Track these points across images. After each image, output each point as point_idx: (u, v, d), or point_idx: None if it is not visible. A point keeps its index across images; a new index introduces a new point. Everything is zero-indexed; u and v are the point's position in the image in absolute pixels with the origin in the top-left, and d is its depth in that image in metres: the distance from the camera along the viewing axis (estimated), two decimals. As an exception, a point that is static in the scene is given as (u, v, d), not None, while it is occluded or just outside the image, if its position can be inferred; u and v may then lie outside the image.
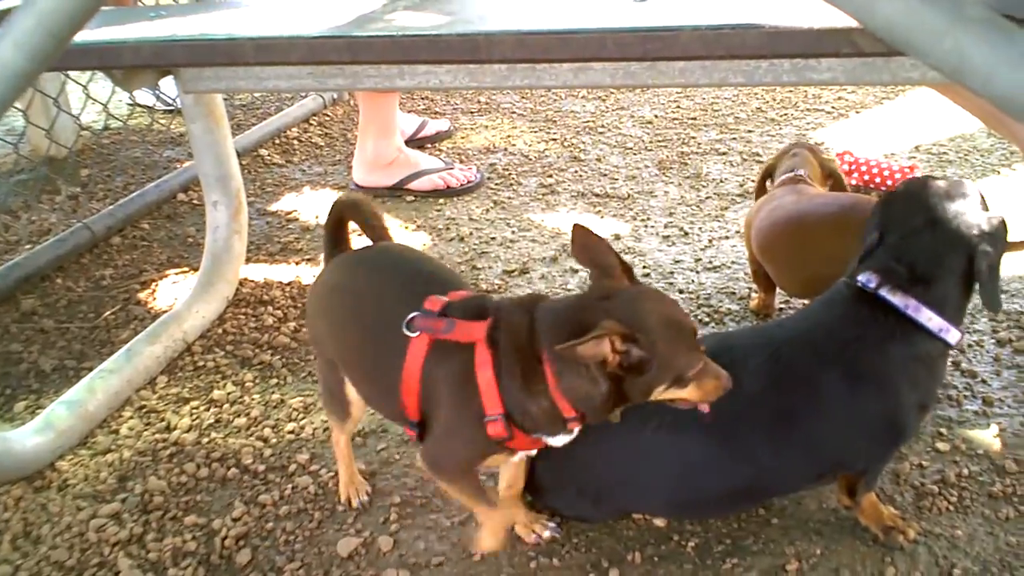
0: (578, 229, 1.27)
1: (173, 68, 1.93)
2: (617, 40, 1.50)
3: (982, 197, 1.44)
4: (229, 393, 1.93)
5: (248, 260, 2.46)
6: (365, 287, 1.43)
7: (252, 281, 2.42)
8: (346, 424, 1.53)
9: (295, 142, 3.61)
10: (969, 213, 1.39)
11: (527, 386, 1.23)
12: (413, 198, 2.99)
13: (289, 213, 2.92)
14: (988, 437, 1.73)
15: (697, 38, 1.47)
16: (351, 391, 1.46)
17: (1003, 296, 2.21)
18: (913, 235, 1.39)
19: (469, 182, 3.03)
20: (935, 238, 1.38)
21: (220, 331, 2.19)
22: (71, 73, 3.05)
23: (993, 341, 2.04)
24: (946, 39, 0.84)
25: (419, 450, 1.35)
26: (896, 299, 1.36)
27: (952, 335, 1.37)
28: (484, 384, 1.24)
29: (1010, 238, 1.75)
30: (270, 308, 2.27)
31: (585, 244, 1.27)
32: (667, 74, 1.69)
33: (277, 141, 3.59)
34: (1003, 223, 1.41)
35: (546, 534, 1.50)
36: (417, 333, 1.27)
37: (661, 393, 1.23)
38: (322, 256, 2.54)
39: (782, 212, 1.95)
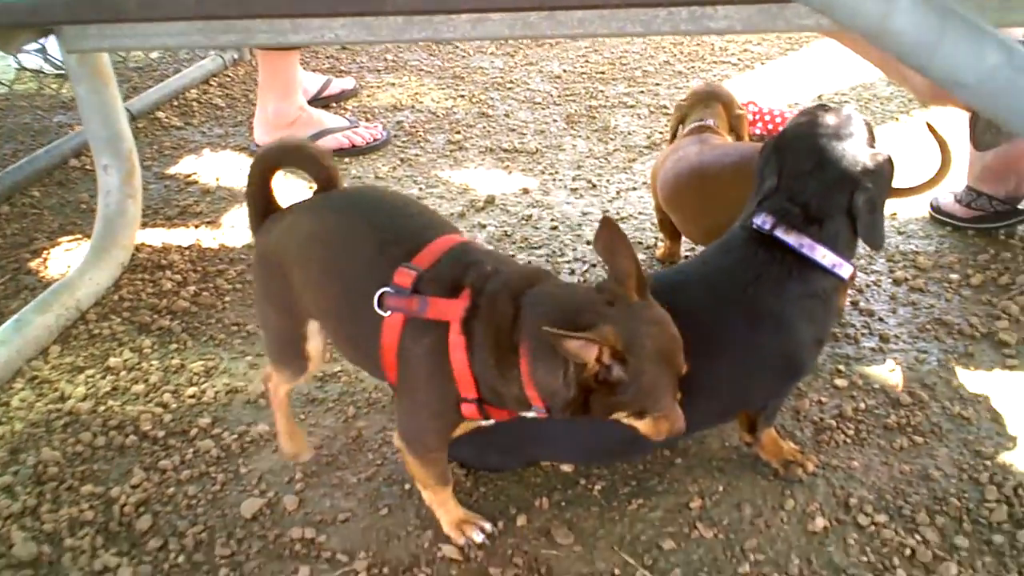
0: (608, 223, 1.19)
1: (53, 26, 1.85)
2: (513, -11, 1.48)
3: (870, 131, 1.48)
4: (126, 360, 1.88)
5: (145, 225, 2.39)
6: (340, 243, 1.32)
7: (149, 246, 2.35)
8: (297, 379, 1.48)
9: (194, 104, 3.50)
10: (855, 151, 1.42)
11: (500, 372, 1.19)
12: (318, 158, 2.93)
13: (188, 176, 2.83)
14: (884, 372, 1.79)
15: (593, -14, 1.46)
16: (313, 347, 1.41)
17: (900, 237, 2.28)
18: (804, 176, 1.42)
19: (375, 140, 2.99)
20: (824, 178, 1.41)
21: (116, 298, 2.12)
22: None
23: (890, 280, 2.10)
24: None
25: (396, 427, 1.34)
26: (791, 239, 1.39)
27: (845, 270, 1.40)
28: (458, 367, 1.20)
29: (909, 183, 1.81)
30: (168, 273, 2.21)
31: (609, 241, 1.19)
32: (566, 24, 1.68)
33: (175, 103, 3.48)
34: (888, 160, 1.44)
35: (477, 538, 1.41)
36: (388, 314, 1.22)
37: (619, 416, 1.20)
38: (225, 219, 2.50)
39: (686, 163, 1.96)
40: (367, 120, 3.23)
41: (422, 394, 1.28)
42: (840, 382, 1.76)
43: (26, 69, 3.83)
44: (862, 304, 2.01)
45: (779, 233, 1.40)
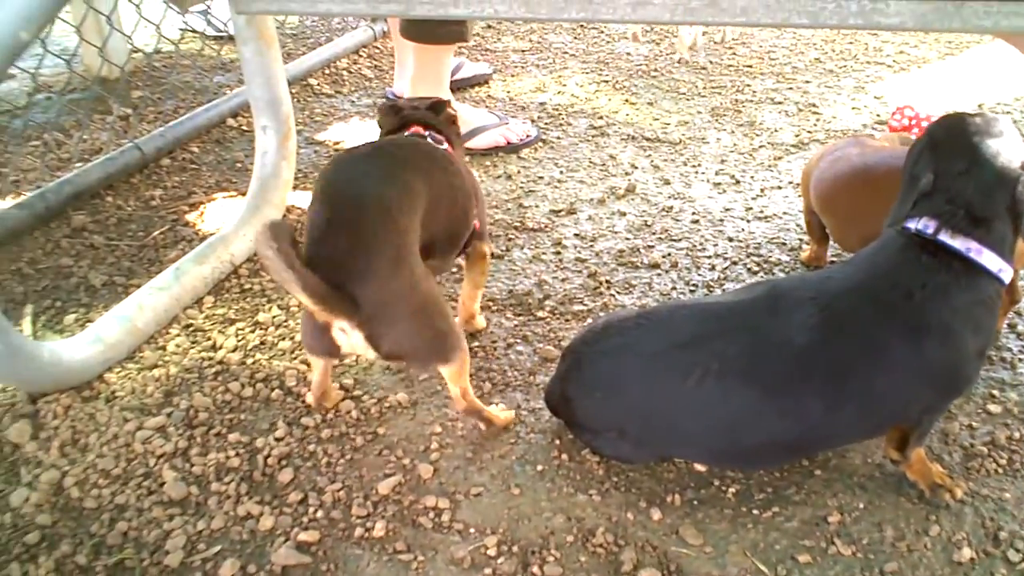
0: None
1: (226, -14, 1.92)
2: (682, -28, 1.45)
3: (1016, 131, 1.42)
4: (274, 316, 1.94)
5: (295, 187, 2.45)
6: None
7: (299, 208, 2.42)
8: None
9: (344, 73, 3.58)
10: (1010, 147, 1.37)
11: None
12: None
13: (337, 143, 2.90)
14: (1041, 401, 1.70)
15: (765, -27, 1.42)
16: None
17: (1063, 264, 2.15)
18: (964, 175, 1.36)
19: (528, 137, 2.90)
20: (984, 176, 1.35)
21: (267, 256, 2.19)
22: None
23: (1051, 306, 1.99)
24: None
25: None
26: (957, 243, 1.33)
27: (1007, 274, 1.34)
28: None
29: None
30: (316, 236, 2.27)
31: None
32: (728, 11, 1.64)
33: (327, 71, 3.57)
34: None
35: None
36: None
37: None
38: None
39: (846, 164, 1.90)
40: (511, 100, 3.24)
41: None
42: (994, 408, 1.67)
43: (192, 30, 4.00)
44: (1020, 328, 1.91)
45: (944, 237, 1.34)
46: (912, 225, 1.38)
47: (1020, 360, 1.81)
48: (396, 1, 1.82)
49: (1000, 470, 1.54)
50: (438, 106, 1.80)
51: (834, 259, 2.17)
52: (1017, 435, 1.60)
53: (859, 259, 1.47)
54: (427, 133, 1.73)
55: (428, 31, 2.60)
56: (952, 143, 1.40)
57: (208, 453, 1.55)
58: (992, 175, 1.35)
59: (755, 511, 1.45)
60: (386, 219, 1.40)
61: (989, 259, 1.32)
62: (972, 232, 1.33)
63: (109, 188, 2.52)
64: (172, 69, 3.55)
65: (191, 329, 1.90)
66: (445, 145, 1.74)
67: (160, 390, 1.71)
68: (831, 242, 2.12)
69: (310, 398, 1.65)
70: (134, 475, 1.50)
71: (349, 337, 1.38)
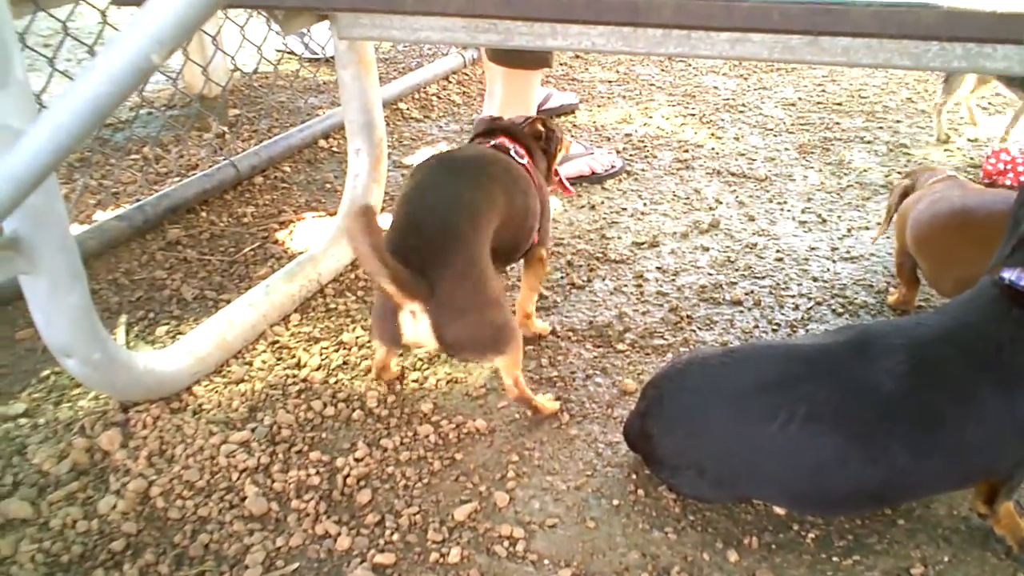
0: None
1: (332, 12, 1.96)
2: (783, 11, 1.44)
3: None
4: (358, 337, 1.97)
5: (383, 210, 2.49)
6: None
7: (385, 230, 2.45)
8: None
9: (434, 98, 3.64)
10: None
11: None
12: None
13: (424, 167, 2.94)
14: None
15: (869, 15, 1.40)
16: None
17: None
18: None
19: (613, 167, 2.90)
20: None
21: (352, 276, 2.23)
22: (230, 13, 3.13)
23: None
24: None
25: None
26: None
27: None
28: None
29: None
30: (401, 259, 2.30)
31: None
32: (829, 51, 1.62)
33: (416, 96, 3.63)
34: None
35: None
36: None
37: None
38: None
39: (946, 204, 1.85)
40: (596, 130, 3.25)
41: None
42: (1090, 465, 1.61)
43: (291, 53, 4.10)
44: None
45: None
46: (1007, 275, 1.34)
47: (1122, 419, 1.73)
48: (494, 31, 1.84)
49: (1097, 532, 1.47)
50: (527, 122, 1.95)
51: (922, 304, 2.12)
52: (1115, 496, 1.54)
53: (952, 307, 1.44)
54: (511, 146, 1.84)
55: (515, 56, 2.63)
56: None
57: (289, 470, 1.57)
58: None
59: (835, 558, 1.41)
60: (467, 220, 1.55)
61: None
62: None
63: (204, 203, 2.60)
64: (269, 89, 3.65)
65: (277, 346, 1.94)
66: (526, 159, 1.85)
67: (245, 405, 1.74)
68: (920, 286, 2.07)
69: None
70: (217, 488, 1.53)
71: (416, 323, 1.48)
